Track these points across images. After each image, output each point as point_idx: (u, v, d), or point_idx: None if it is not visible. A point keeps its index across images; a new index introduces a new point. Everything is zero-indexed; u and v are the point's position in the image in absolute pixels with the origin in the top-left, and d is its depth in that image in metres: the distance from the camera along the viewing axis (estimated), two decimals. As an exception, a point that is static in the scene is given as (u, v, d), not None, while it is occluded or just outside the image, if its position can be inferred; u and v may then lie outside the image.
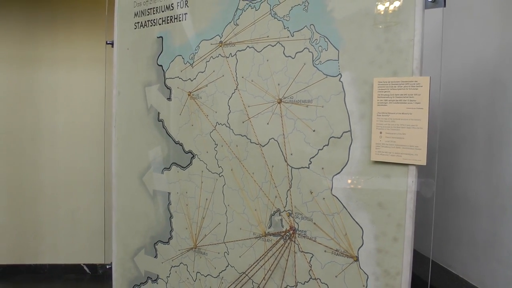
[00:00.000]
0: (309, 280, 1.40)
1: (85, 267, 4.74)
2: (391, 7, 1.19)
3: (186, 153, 1.71)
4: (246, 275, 1.56)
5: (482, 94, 1.90)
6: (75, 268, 4.73)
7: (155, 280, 1.88)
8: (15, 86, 4.29)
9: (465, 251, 2.00)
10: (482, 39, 1.90)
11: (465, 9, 2.04)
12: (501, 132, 1.77)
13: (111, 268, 2.04)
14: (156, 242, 1.85)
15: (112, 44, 1.96)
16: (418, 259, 2.25)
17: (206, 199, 1.66)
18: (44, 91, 4.45)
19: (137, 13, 1.85)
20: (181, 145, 1.72)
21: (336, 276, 1.34)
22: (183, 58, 1.69)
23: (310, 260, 1.39)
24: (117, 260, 2.01)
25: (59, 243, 4.71)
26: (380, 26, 1.21)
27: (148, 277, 1.91)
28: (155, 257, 1.86)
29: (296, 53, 1.39)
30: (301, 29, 1.37)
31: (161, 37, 1.77)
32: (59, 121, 4.53)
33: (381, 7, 1.21)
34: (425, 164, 1.15)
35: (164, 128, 1.77)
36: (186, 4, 1.68)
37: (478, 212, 1.91)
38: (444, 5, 1.13)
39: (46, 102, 4.47)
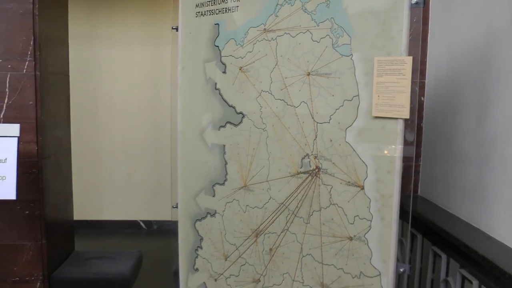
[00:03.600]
0: (330, 205, 1.89)
1: (141, 223, 5.27)
2: (387, 7, 1.66)
3: (238, 114, 2.18)
4: (284, 204, 2.05)
5: (473, 68, 2.34)
6: (132, 224, 5.29)
7: (213, 214, 2.34)
8: (76, 61, 4.74)
9: (458, 194, 2.47)
10: (475, 24, 2.34)
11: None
12: (487, 98, 2.22)
13: (176, 208, 2.55)
14: (214, 184, 2.32)
15: (177, 29, 2.43)
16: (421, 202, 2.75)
17: (253, 149, 2.14)
18: (101, 65, 4.97)
19: (198, 4, 2.31)
20: (233, 107, 2.20)
21: (348, 201, 1.83)
22: (235, 41, 2.16)
23: (330, 191, 1.88)
24: (182, 201, 2.49)
25: (117, 201, 5.25)
26: (379, 20, 1.69)
27: (207, 212, 2.37)
28: (213, 196, 2.33)
29: (321, 38, 1.86)
30: (324, 21, 1.84)
31: (218, 24, 2.22)
32: (116, 93, 5.03)
33: (380, 7, 1.68)
34: (408, 117, 1.63)
35: (220, 95, 2.24)
36: (237, -1, 2.17)
37: (468, 162, 2.37)
38: (424, 5, 1.60)
39: (104, 76, 4.99)
